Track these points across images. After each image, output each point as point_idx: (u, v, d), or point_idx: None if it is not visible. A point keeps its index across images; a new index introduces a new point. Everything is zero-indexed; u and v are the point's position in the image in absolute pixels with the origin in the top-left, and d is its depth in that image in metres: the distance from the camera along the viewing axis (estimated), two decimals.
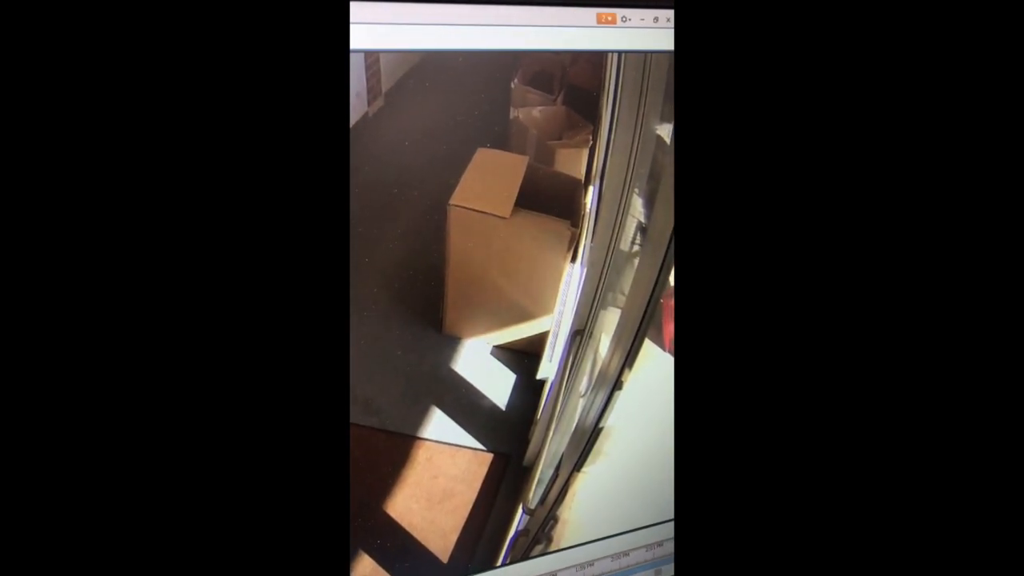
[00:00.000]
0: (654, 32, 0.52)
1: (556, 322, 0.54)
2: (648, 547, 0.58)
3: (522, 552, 0.54)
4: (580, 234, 0.53)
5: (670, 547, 0.59)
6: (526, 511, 0.55)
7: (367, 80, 0.46)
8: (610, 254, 0.55)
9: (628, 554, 0.57)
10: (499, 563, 0.53)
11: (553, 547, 0.55)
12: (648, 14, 0.52)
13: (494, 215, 0.50)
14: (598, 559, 0.56)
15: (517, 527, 0.54)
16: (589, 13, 0.50)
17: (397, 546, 0.51)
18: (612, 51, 0.51)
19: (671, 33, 0.52)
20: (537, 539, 0.55)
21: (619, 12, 0.51)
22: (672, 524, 0.59)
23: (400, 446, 0.50)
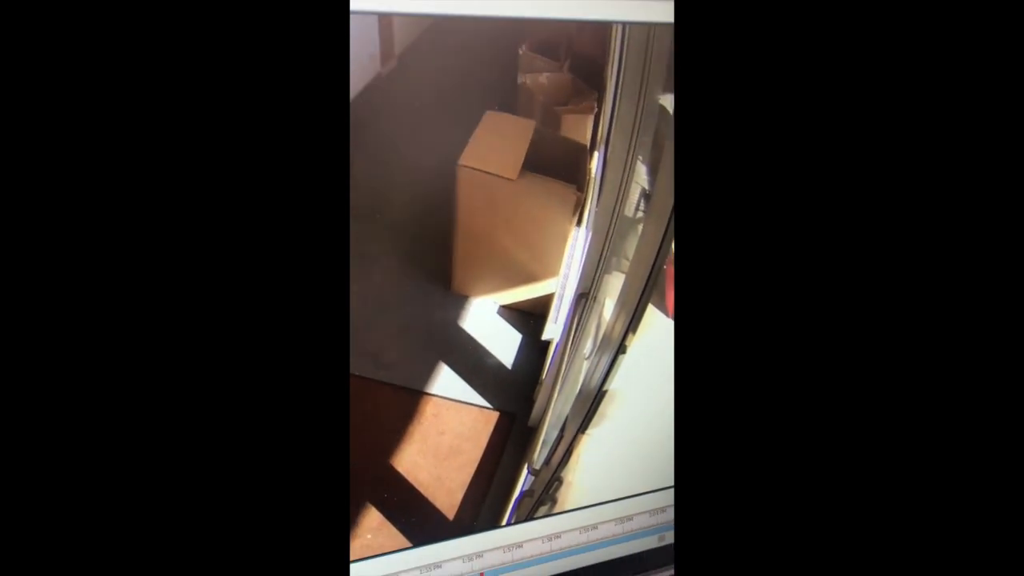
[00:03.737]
0: (658, 5, 0.54)
1: (561, 284, 0.55)
2: (651, 512, 0.58)
3: (527, 512, 0.55)
4: (585, 199, 0.54)
5: (673, 513, 0.59)
6: (531, 471, 0.55)
7: (380, 42, 0.48)
8: (614, 219, 0.55)
9: (632, 518, 0.57)
10: (504, 522, 0.54)
11: (558, 509, 0.55)
12: None
13: (501, 176, 0.52)
14: (602, 523, 0.56)
15: (522, 487, 0.55)
16: None
17: (404, 500, 0.51)
18: (616, 22, 0.53)
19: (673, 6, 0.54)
20: (542, 500, 0.55)
21: None
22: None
23: (408, 401, 0.51)
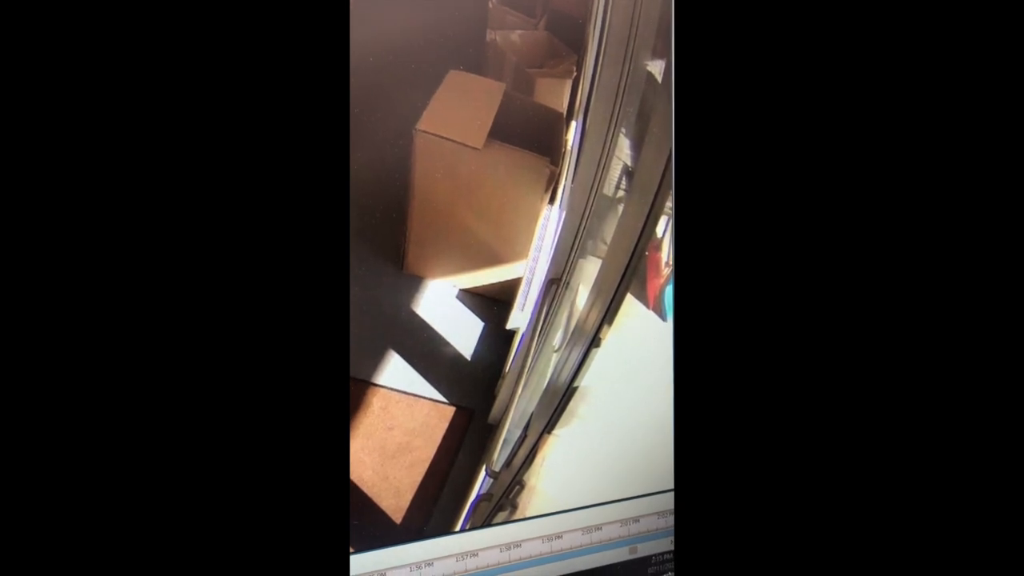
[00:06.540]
0: None
1: (530, 268, 0.50)
2: (623, 522, 0.54)
3: (483, 518, 0.50)
4: (560, 173, 0.49)
5: (648, 523, 0.55)
6: (489, 473, 0.51)
7: None
8: (592, 198, 0.51)
9: (600, 528, 0.53)
10: (458, 528, 0.49)
11: (518, 515, 0.51)
12: None
13: (465, 145, 0.47)
14: (567, 531, 0.52)
15: (479, 490, 0.50)
16: None
17: None
18: None
19: None
20: (501, 505, 0.51)
21: None
22: (651, 499, 0.54)
23: (352, 392, 0.46)
